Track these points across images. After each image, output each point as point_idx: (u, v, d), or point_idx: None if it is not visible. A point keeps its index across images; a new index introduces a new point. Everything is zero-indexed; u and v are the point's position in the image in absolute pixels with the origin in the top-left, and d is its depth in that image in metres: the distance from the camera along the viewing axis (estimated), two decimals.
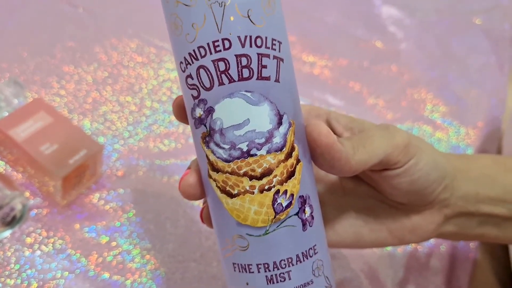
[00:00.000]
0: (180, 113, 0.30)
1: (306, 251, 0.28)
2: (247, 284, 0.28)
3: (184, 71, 0.27)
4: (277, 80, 0.27)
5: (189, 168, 0.31)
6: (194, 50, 0.26)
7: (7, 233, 0.43)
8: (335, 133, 0.34)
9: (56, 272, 0.42)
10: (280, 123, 0.27)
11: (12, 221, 0.43)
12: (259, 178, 0.27)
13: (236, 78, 0.26)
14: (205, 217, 0.32)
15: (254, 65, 0.26)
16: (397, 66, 0.65)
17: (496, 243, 0.50)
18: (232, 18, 0.25)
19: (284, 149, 0.27)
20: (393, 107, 0.60)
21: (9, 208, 0.42)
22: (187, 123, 0.30)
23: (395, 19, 0.70)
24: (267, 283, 0.28)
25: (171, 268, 0.44)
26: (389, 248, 0.49)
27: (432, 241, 0.50)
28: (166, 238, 0.46)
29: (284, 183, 0.27)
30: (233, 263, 0.29)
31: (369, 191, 0.36)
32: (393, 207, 0.36)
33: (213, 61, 0.26)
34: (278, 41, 0.27)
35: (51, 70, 0.55)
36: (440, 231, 0.37)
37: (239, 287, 0.29)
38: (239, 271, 0.29)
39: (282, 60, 0.27)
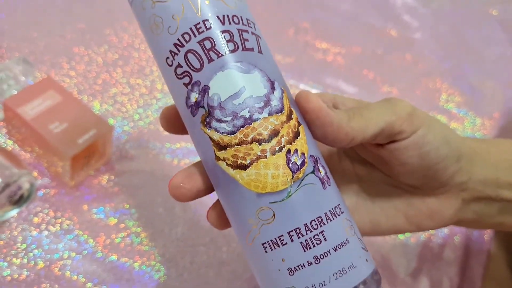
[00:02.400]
0: (169, 123, 0.31)
1: (332, 209, 0.27)
2: (283, 260, 0.27)
3: (171, 65, 0.28)
4: (260, 52, 0.28)
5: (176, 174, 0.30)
6: (178, 39, 0.27)
7: (14, 212, 0.42)
8: None
9: (63, 252, 0.41)
10: (273, 88, 0.27)
11: (19, 200, 0.42)
12: (268, 140, 0.26)
13: (223, 52, 0.27)
14: (213, 217, 0.30)
15: (237, 39, 0.27)
16: (411, 55, 0.64)
17: None
18: (207, 2, 0.27)
19: (283, 111, 0.27)
20: (407, 96, 0.59)
21: (16, 187, 0.41)
22: (178, 133, 0.31)
23: (410, 8, 0.69)
24: (304, 250, 0.26)
25: (180, 252, 0.43)
26: (402, 237, 0.48)
27: (446, 231, 0.49)
28: (175, 222, 0.45)
29: (293, 142, 0.27)
30: (263, 244, 0.27)
31: (383, 177, 0.35)
32: (408, 192, 0.34)
33: (198, 42, 0.27)
34: (252, 22, 0.28)
35: (61, 51, 0.54)
36: (459, 218, 0.35)
37: (275, 270, 0.27)
38: (271, 249, 0.27)
39: (260, 37, 0.28)
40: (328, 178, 0.28)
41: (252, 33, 0.28)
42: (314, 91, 0.58)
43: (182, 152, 0.49)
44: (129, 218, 0.44)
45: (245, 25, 0.28)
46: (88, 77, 0.53)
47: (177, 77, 0.27)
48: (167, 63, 0.28)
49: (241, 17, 0.28)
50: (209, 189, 0.29)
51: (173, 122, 0.31)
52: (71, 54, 0.54)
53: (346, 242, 0.27)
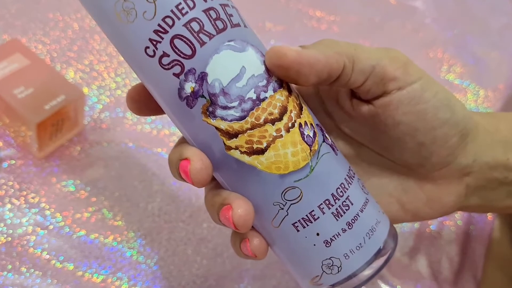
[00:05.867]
0: (139, 105, 0.28)
1: (348, 172, 0.27)
2: (318, 234, 0.26)
3: (154, 55, 0.25)
4: (245, 26, 0.26)
5: (185, 159, 0.26)
6: (159, 25, 0.24)
7: None
8: None
9: (27, 227, 0.38)
10: None
11: None
12: (280, 118, 0.25)
13: (214, 32, 0.24)
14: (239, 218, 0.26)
15: (223, 16, 0.25)
16: (411, 24, 0.60)
17: None
18: None
19: (283, 84, 0.26)
20: None
21: None
22: (149, 114, 0.29)
23: None
24: (336, 219, 0.26)
25: (157, 228, 0.40)
26: None
27: None
28: (152, 196, 0.41)
29: (301, 115, 0.26)
30: (293, 224, 0.26)
31: (373, 156, 0.31)
32: (403, 174, 0.31)
33: (184, 25, 0.24)
34: None
35: (34, 16, 0.50)
36: (462, 205, 0.31)
37: (310, 246, 0.27)
38: (304, 227, 0.26)
39: (237, 9, 0.27)
40: (333, 143, 0.28)
41: (232, 6, 0.26)
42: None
43: (162, 122, 0.46)
44: (101, 192, 0.41)
45: None
46: (63, 44, 0.49)
47: (163, 68, 0.25)
48: (147, 53, 0.25)
49: None
50: None
51: (143, 103, 0.28)
52: (45, 19, 0.51)
53: (367, 201, 0.28)
